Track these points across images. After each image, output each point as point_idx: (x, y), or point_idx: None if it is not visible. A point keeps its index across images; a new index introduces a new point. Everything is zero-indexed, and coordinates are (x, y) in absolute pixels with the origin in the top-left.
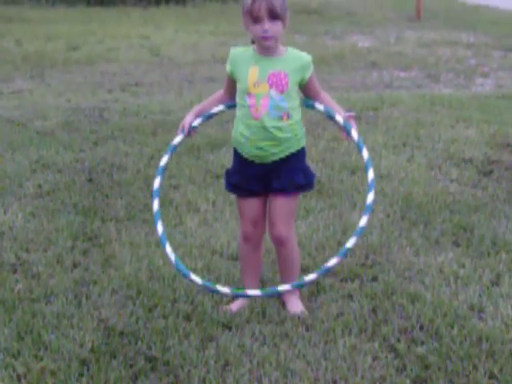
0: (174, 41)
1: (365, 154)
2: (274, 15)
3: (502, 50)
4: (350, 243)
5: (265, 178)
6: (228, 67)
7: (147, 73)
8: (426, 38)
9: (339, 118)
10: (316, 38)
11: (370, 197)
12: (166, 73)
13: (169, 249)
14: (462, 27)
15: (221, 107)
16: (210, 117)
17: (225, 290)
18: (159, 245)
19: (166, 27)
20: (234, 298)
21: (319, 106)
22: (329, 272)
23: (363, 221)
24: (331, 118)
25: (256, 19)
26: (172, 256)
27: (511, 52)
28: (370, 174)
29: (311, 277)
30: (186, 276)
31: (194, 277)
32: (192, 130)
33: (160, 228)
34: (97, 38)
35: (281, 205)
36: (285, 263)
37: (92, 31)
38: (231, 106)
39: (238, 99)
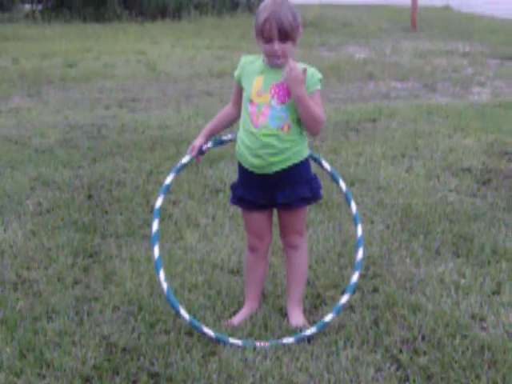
0: (171, 56)
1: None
2: (284, 36)
3: (498, 58)
4: (344, 299)
5: (269, 191)
6: (236, 73)
7: (144, 88)
8: (422, 48)
9: (342, 185)
10: (312, 49)
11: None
12: (163, 88)
13: (162, 276)
14: (457, 37)
15: (231, 136)
16: (221, 143)
17: (210, 332)
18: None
19: (162, 42)
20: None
21: (326, 165)
22: (327, 326)
23: (355, 277)
24: (336, 182)
25: (267, 39)
26: (164, 285)
27: (507, 60)
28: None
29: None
30: (176, 309)
31: (183, 312)
32: (200, 154)
33: (156, 253)
34: (93, 55)
35: (291, 218)
36: (294, 267)
37: (88, 48)
38: None
39: (242, 108)
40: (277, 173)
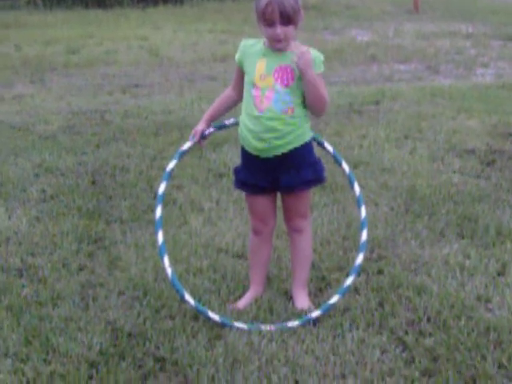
0: (173, 41)
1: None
2: (286, 20)
3: (501, 39)
4: (349, 281)
5: (272, 174)
6: (237, 56)
7: (147, 73)
8: (425, 30)
9: (345, 167)
10: (315, 33)
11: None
12: (165, 73)
13: (167, 262)
14: (460, 18)
15: (233, 120)
16: (223, 127)
17: (215, 316)
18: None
19: (164, 27)
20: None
21: (329, 147)
22: (332, 308)
23: (359, 259)
24: (339, 164)
25: (268, 23)
26: (169, 270)
27: (510, 41)
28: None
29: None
30: (181, 295)
31: (188, 297)
32: (202, 139)
33: (160, 238)
34: (96, 41)
35: (295, 201)
36: (298, 250)
37: (91, 34)
38: None
39: (244, 92)
40: (280, 156)
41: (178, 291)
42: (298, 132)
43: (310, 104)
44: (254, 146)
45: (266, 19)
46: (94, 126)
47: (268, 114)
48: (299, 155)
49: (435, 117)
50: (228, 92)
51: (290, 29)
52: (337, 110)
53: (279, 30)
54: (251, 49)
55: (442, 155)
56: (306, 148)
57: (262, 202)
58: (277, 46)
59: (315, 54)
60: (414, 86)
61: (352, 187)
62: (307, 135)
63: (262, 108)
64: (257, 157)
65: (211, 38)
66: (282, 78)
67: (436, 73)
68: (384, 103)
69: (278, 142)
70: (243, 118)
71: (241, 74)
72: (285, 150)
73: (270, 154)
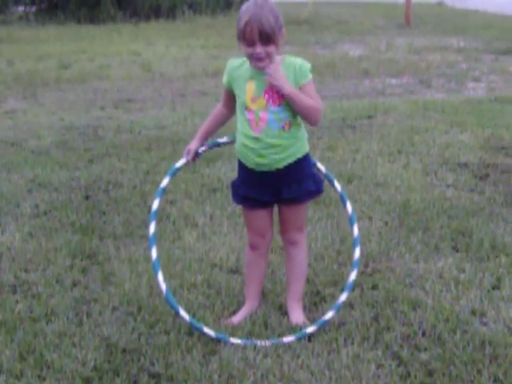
0: (165, 56)
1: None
2: (265, 39)
3: (492, 53)
4: (343, 297)
5: (274, 187)
6: (225, 79)
7: (139, 89)
8: (417, 45)
9: (337, 185)
10: (307, 47)
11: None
12: (158, 88)
13: (161, 277)
14: (451, 32)
15: (226, 139)
16: (216, 146)
17: (210, 332)
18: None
19: (156, 43)
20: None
21: (321, 167)
22: (327, 323)
23: (353, 275)
24: (331, 183)
25: (248, 42)
26: (163, 286)
27: (502, 55)
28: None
29: (311, 329)
30: (175, 311)
31: (182, 313)
32: (196, 156)
33: (154, 255)
34: (88, 56)
35: (293, 213)
36: (294, 264)
37: (83, 49)
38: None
39: (238, 112)
40: (282, 169)
41: (172, 308)
42: (299, 144)
43: (300, 116)
44: (256, 162)
45: (246, 39)
46: (86, 141)
47: (267, 134)
48: (300, 167)
49: (428, 131)
50: (219, 108)
51: (271, 48)
52: (330, 124)
53: (259, 49)
54: (238, 71)
55: (436, 169)
56: (306, 159)
57: (260, 215)
58: (258, 65)
59: (300, 63)
60: (407, 100)
61: (344, 206)
62: (306, 146)
63: (260, 130)
64: (258, 171)
65: (203, 53)
66: (273, 97)
67: (428, 87)
68: (377, 117)
69: (279, 156)
70: (240, 137)
71: (229, 95)
72: (286, 162)
73: (272, 168)
